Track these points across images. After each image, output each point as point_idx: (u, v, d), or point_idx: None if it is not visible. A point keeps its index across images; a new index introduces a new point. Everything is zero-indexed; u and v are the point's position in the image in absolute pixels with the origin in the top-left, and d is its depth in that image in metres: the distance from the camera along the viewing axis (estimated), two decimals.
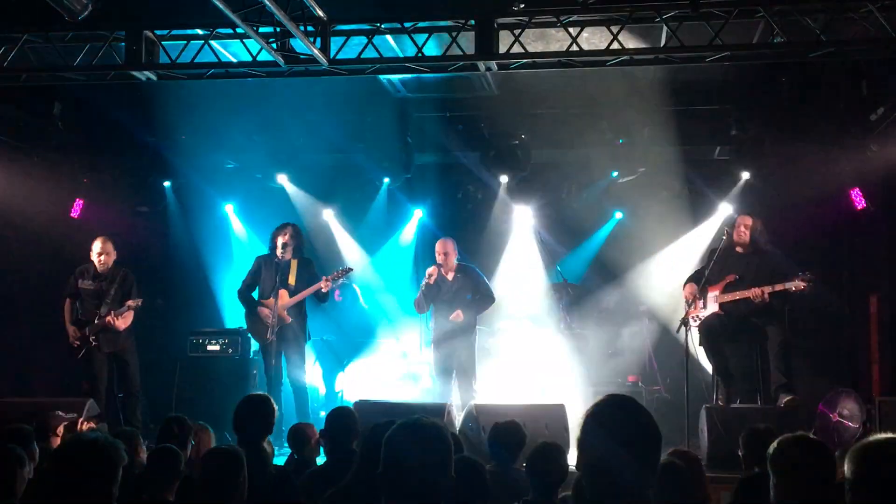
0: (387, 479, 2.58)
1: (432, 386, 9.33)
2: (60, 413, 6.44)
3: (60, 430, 6.13)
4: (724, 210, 10.41)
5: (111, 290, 8.52)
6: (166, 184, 11.36)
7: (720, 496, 5.61)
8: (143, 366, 9.02)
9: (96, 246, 8.59)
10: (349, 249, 11.50)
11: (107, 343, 8.49)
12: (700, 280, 8.11)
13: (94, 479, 3.19)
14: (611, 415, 2.52)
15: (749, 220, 8.18)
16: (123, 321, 8.49)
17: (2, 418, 6.69)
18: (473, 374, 8.75)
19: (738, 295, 7.87)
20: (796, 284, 7.59)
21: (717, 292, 8.02)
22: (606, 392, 9.24)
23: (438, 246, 8.87)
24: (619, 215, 11.21)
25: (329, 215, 11.55)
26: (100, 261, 8.56)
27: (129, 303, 8.45)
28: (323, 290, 8.71)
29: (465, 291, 8.80)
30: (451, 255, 8.81)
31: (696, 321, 8.02)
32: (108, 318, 8.36)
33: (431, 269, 8.75)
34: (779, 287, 7.65)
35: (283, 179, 11.25)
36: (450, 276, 8.80)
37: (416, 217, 11.48)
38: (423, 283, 8.81)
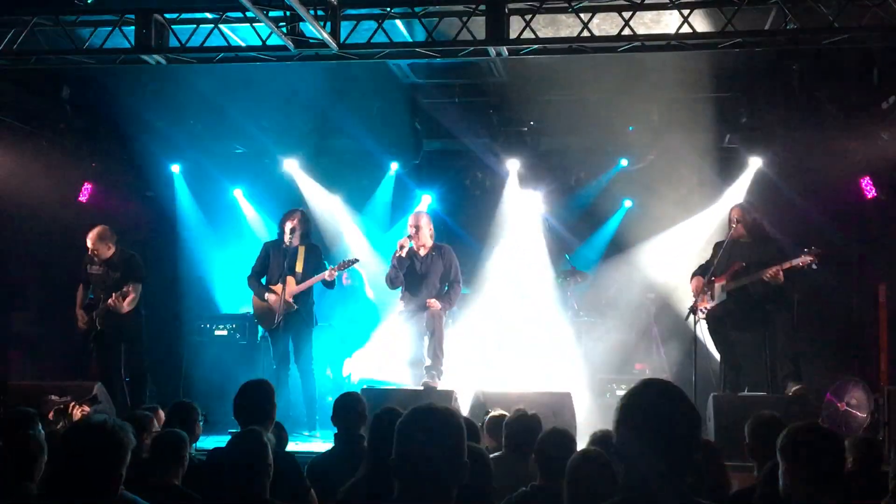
0: (401, 465, 2.57)
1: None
2: (53, 397, 6.46)
3: (51, 414, 6.13)
4: (733, 198, 10.34)
5: (114, 275, 8.49)
6: (175, 168, 11.35)
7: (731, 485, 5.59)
8: (151, 351, 9.04)
9: (88, 243, 8.50)
10: (356, 236, 11.48)
11: (112, 326, 8.48)
12: (706, 272, 8.10)
13: (102, 461, 3.21)
14: (650, 401, 2.49)
15: (737, 211, 8.18)
16: (126, 303, 8.39)
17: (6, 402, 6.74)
18: (442, 341, 8.36)
19: (745, 280, 7.87)
20: (803, 259, 7.62)
21: (724, 282, 8.02)
22: (613, 380, 9.21)
23: (410, 219, 8.60)
24: (628, 203, 11.17)
25: (336, 201, 11.52)
26: (95, 254, 8.49)
27: (126, 288, 8.36)
28: (328, 279, 8.70)
29: (437, 271, 8.50)
30: (423, 229, 8.48)
31: (703, 312, 8.01)
32: (110, 301, 8.32)
33: (403, 240, 8.43)
34: (787, 265, 7.66)
35: (291, 165, 11.22)
36: (422, 252, 8.54)
37: (425, 203, 11.41)
38: (395, 254, 8.51)
